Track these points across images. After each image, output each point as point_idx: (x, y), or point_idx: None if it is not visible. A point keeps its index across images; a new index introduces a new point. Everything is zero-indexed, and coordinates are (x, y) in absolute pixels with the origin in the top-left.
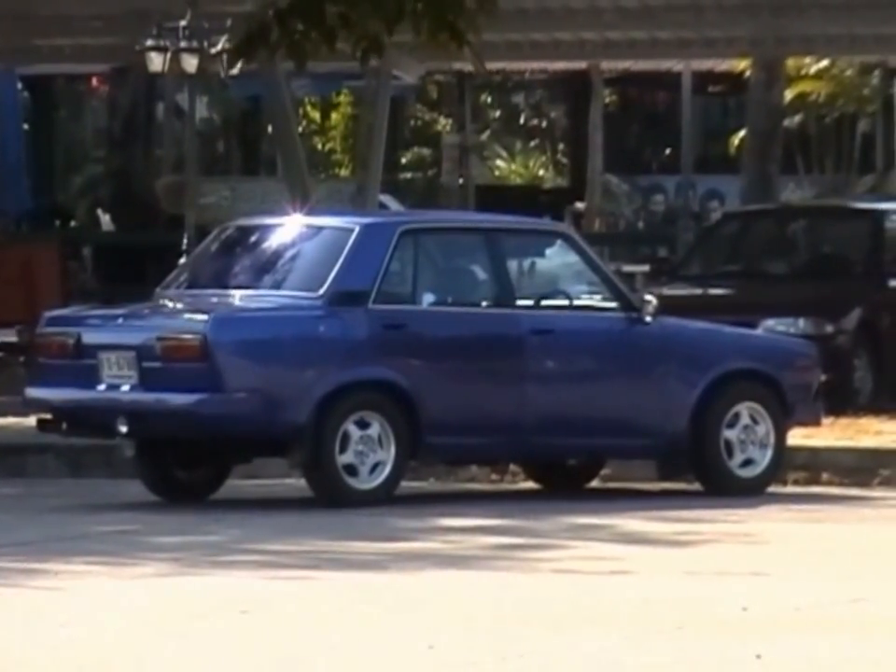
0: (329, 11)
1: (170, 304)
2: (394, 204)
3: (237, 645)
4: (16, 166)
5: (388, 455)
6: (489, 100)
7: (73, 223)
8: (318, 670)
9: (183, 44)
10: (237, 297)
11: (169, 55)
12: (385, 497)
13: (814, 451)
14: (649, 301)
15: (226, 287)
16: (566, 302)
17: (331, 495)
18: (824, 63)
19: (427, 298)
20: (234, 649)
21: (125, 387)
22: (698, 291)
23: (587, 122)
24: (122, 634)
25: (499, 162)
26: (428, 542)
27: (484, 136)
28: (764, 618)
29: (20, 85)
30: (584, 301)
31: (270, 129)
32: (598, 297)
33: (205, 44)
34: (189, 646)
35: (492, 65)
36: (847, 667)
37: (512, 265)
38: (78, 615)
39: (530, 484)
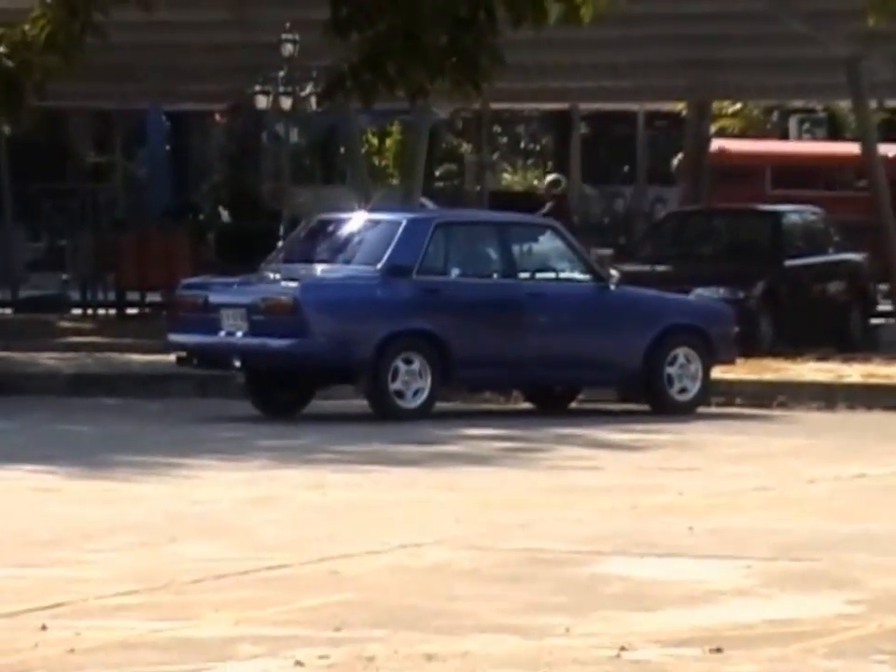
0: (389, 66)
1: (271, 275)
2: (430, 205)
3: (319, 515)
4: (161, 176)
5: (426, 383)
6: (499, 130)
7: (201, 216)
8: (373, 529)
9: (281, 89)
10: (319, 269)
11: (271, 97)
12: (424, 414)
13: (730, 382)
14: (613, 275)
15: (311, 262)
16: (553, 275)
17: (385, 412)
18: (738, 105)
19: (455, 271)
20: (317, 517)
21: (238, 334)
22: (648, 268)
23: (569, 146)
24: (237, 507)
25: (506, 175)
26: (455, 446)
27: (495, 156)
28: (696, 500)
29: (164, 117)
30: (566, 274)
31: (342, 150)
32: (577, 271)
33: (297, 89)
34: (285, 514)
35: (501, 106)
36: (757, 534)
37: (515, 248)
38: (206, 495)
39: (527, 405)
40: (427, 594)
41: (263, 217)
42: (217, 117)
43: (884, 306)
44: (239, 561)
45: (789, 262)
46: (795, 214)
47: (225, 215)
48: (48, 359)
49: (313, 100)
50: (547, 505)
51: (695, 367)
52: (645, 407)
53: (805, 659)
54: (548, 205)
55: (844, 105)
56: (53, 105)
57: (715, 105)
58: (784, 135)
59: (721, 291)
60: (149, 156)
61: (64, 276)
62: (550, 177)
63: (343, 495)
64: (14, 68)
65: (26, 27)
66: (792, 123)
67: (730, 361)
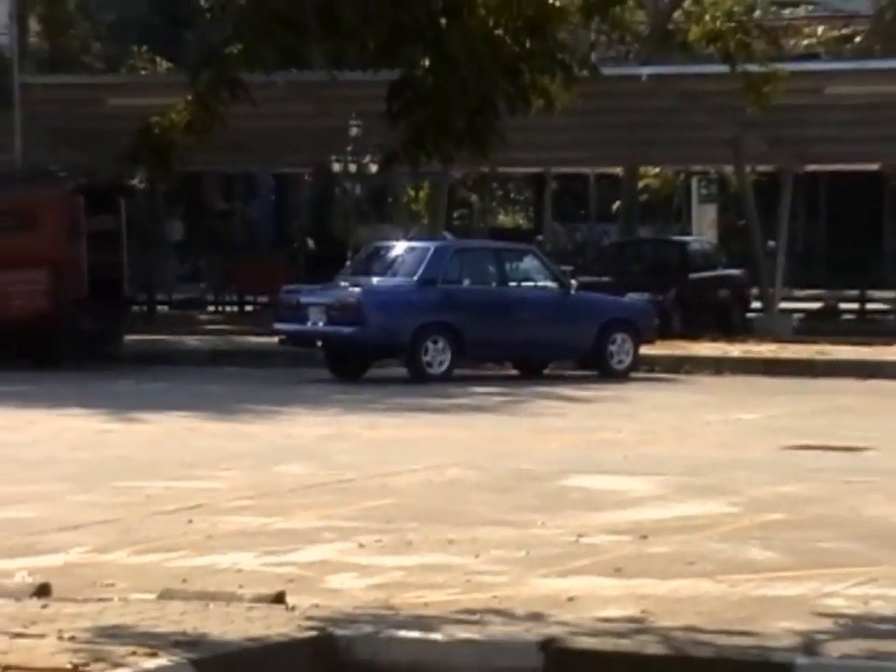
0: (427, 144)
1: (342, 284)
2: (450, 237)
3: (374, 446)
4: (268, 218)
5: (447, 357)
6: (496, 185)
7: (295, 246)
8: (411, 455)
9: (349, 158)
10: (374, 280)
11: (342, 164)
12: (445, 378)
13: (652, 356)
14: (573, 284)
15: (369, 275)
16: (533, 284)
17: (419, 377)
18: (657, 169)
19: (467, 281)
20: (373, 447)
21: (320, 324)
22: (597, 279)
23: (543, 197)
24: (318, 441)
25: (501, 217)
26: (466, 399)
27: (494, 204)
28: (629, 437)
29: (270, 177)
30: (542, 283)
31: (390, 199)
32: (549, 281)
33: (360, 158)
34: (351, 445)
35: (499, 169)
36: (670, 459)
37: (507, 266)
38: (297, 432)
39: (515, 372)
40: (447, 499)
41: (336, 245)
42: (306, 177)
43: (755, 305)
44: (320, 476)
45: (692, 275)
46: (697, 243)
47: (311, 244)
48: (191, 341)
49: (371, 166)
50: (528, 439)
51: (629, 346)
52: (594, 373)
53: (703, 542)
54: None
55: (729, 169)
56: (192, 169)
57: (641, 169)
58: (687, 192)
59: (646, 295)
60: (260, 204)
61: (202, 285)
62: None
63: (391, 432)
64: (164, 144)
65: (172, 115)
66: (694, 182)
67: (651, 342)
